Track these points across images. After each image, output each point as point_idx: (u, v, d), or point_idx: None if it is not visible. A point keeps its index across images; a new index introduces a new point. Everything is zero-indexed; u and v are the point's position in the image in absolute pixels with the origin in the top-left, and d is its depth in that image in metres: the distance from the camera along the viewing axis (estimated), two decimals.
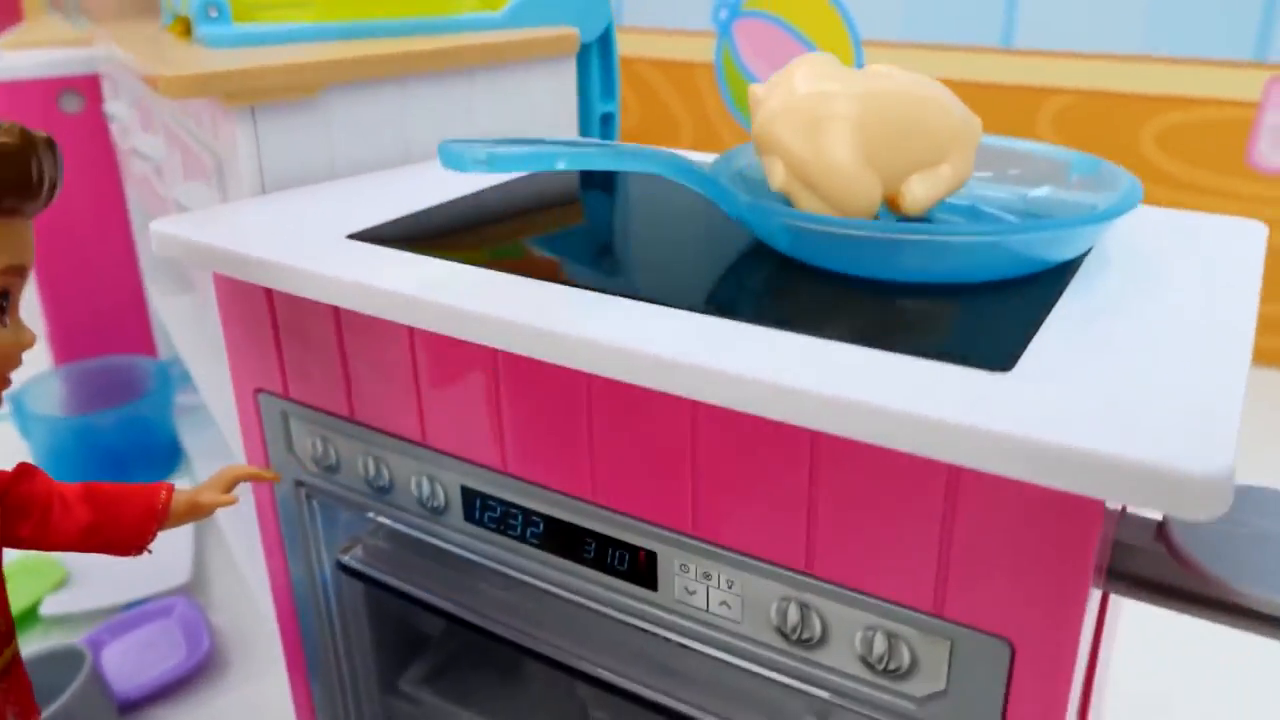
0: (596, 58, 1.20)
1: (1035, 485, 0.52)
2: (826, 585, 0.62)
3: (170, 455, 1.85)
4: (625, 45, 2.65)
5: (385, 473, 0.82)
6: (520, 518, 0.75)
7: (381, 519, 0.85)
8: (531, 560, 0.76)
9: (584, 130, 1.22)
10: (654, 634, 0.71)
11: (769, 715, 0.67)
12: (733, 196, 0.66)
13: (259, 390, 0.88)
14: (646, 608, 0.71)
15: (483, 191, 0.90)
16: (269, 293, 0.82)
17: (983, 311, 0.62)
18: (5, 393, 0.65)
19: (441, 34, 1.09)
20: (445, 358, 0.73)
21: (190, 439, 1.84)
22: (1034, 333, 0.58)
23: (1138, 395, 0.51)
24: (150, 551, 0.75)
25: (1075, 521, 0.52)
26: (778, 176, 0.69)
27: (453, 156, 0.59)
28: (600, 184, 0.93)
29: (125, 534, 0.73)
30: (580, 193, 0.91)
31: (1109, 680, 0.96)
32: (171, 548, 1.57)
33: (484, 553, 0.78)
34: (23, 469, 0.71)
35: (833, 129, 0.69)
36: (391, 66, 0.94)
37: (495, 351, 0.70)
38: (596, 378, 0.66)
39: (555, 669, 0.74)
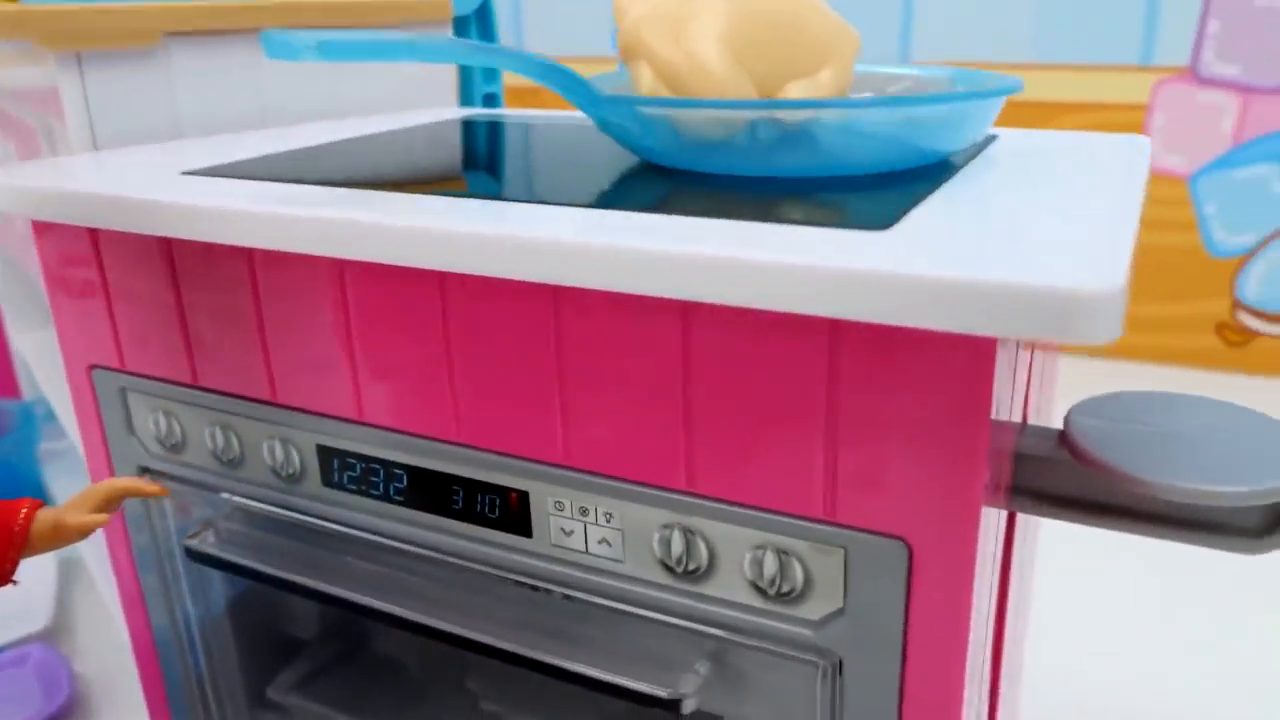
0: (475, 33, 1.15)
1: (922, 352, 0.48)
2: (710, 503, 0.57)
3: (33, 494, 1.72)
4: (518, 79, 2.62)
5: (235, 442, 0.74)
6: (381, 473, 0.68)
7: (235, 498, 0.77)
8: (397, 521, 0.69)
9: None
10: (534, 587, 0.65)
11: (658, 663, 0.61)
12: (591, 93, 0.62)
13: (93, 366, 0.80)
14: (523, 559, 0.65)
15: (350, 140, 0.84)
16: (97, 251, 0.74)
17: (864, 196, 0.58)
18: None
19: None
20: (290, 292, 0.66)
21: (58, 485, 1.72)
22: (915, 205, 0.55)
23: (1026, 238, 0.48)
24: (15, 582, 0.62)
25: (967, 384, 0.48)
26: (645, 82, 0.65)
27: (279, 44, 0.54)
28: (484, 135, 0.88)
29: None
30: (461, 139, 0.86)
31: (1028, 611, 0.92)
32: (30, 587, 1.45)
33: (347, 520, 0.71)
34: None
35: (701, 30, 0.64)
36: (241, 17, 0.87)
37: (343, 277, 0.64)
38: (452, 293, 0.60)
39: (427, 637, 0.67)
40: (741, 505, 0.56)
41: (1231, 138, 2.15)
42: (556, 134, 0.88)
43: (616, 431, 0.58)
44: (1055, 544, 1.55)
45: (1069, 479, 0.63)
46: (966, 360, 0.47)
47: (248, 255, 0.67)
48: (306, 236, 0.59)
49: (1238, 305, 2.24)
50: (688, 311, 0.53)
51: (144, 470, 0.81)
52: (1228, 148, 2.16)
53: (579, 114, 0.99)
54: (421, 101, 1.10)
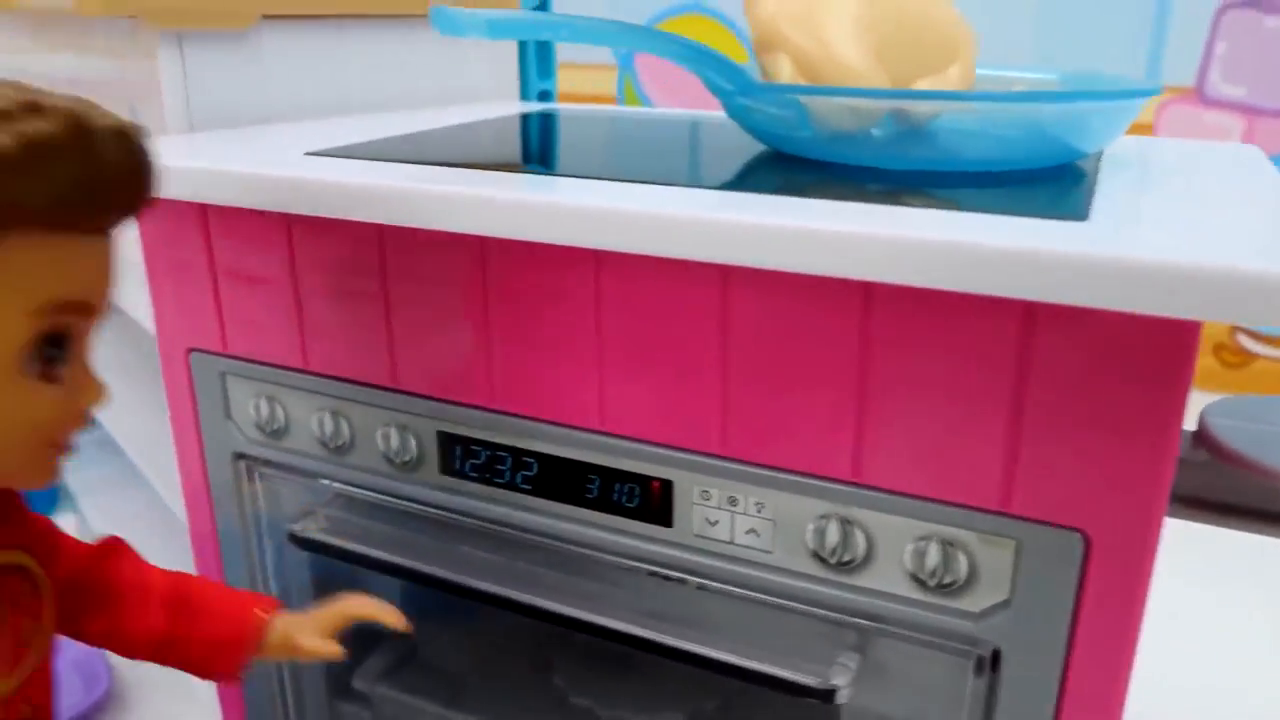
0: None
1: (1120, 338, 0.48)
2: (875, 494, 0.56)
3: (49, 493, 1.69)
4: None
5: (346, 429, 0.73)
6: (509, 461, 0.67)
7: (336, 485, 0.76)
8: (521, 509, 0.68)
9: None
10: (666, 576, 0.65)
11: (806, 654, 0.61)
12: (746, 80, 0.62)
13: (191, 350, 0.78)
14: (658, 548, 0.64)
15: (453, 128, 0.83)
16: (207, 232, 0.73)
17: (1021, 188, 0.58)
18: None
19: None
20: (423, 272, 0.66)
21: (77, 473, 1.69)
22: (1092, 196, 0.55)
23: (1214, 228, 0.49)
24: (241, 682, 0.61)
25: (1167, 370, 0.48)
26: (785, 72, 0.65)
27: (448, 19, 0.53)
28: (591, 125, 0.88)
29: (204, 659, 0.59)
30: (569, 128, 0.85)
31: None
32: None
33: (462, 508, 0.71)
34: (109, 545, 0.58)
35: (837, 24, 0.65)
36: (332, 3, 0.87)
37: (483, 259, 0.63)
38: (605, 275, 0.59)
39: (556, 624, 0.66)
40: (909, 496, 0.56)
41: None
42: (661, 127, 0.88)
43: (780, 421, 0.58)
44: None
45: (1202, 479, 0.64)
46: (1167, 345, 0.48)
47: (379, 237, 0.66)
48: (453, 215, 0.58)
49: (1236, 327, 2.28)
50: (868, 294, 0.53)
51: (239, 456, 0.80)
52: None
53: (652, 111, 0.99)
54: (486, 95, 1.09)
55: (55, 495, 1.68)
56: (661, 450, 0.62)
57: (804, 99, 0.60)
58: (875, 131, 0.65)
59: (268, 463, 0.79)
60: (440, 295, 0.65)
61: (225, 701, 0.91)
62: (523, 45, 1.15)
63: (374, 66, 0.95)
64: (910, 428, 0.54)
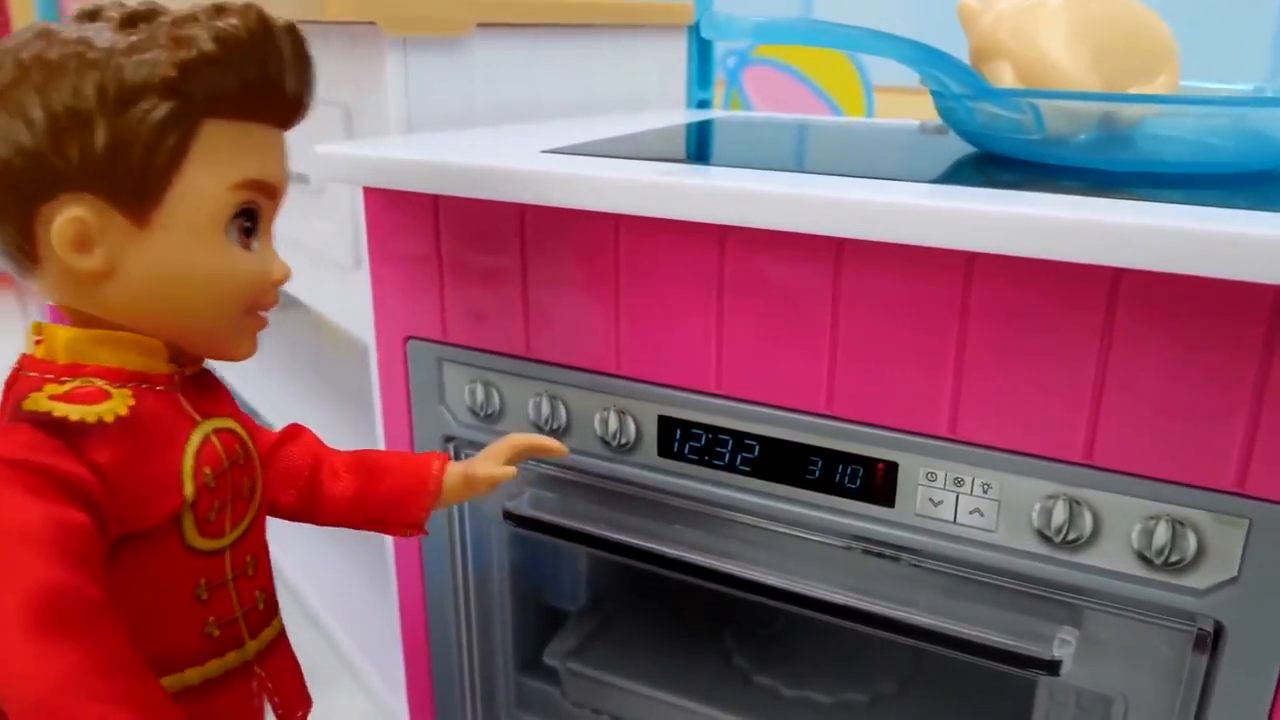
0: (695, 42, 1.20)
1: None
2: (1107, 475, 0.60)
3: None
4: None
5: (563, 412, 0.78)
6: (730, 444, 0.72)
7: (544, 467, 0.81)
8: (737, 490, 0.72)
9: None
10: (879, 554, 0.68)
11: (1025, 629, 0.64)
12: (972, 77, 0.65)
13: (409, 338, 0.84)
14: (878, 528, 0.68)
15: (659, 130, 0.88)
16: (437, 223, 0.78)
17: (1240, 190, 0.61)
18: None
19: None
20: (657, 262, 0.70)
21: None
22: None
23: None
24: (427, 533, 0.66)
25: None
26: (1007, 79, 0.68)
27: (719, 24, 0.58)
28: (795, 131, 0.92)
29: (392, 510, 0.64)
30: (765, 132, 0.90)
31: None
32: None
33: (675, 489, 0.75)
34: (289, 430, 0.63)
35: (1055, 34, 0.68)
36: (539, 13, 0.92)
37: (721, 250, 0.67)
38: (844, 265, 0.63)
39: (765, 596, 0.70)
40: (1141, 476, 0.59)
41: None
42: (854, 132, 0.92)
43: (1013, 404, 0.61)
44: None
45: None
46: None
47: (614, 228, 0.71)
48: (692, 205, 0.63)
49: None
50: (1116, 280, 0.56)
51: (448, 440, 0.85)
52: None
53: (834, 119, 1.03)
54: (654, 104, 1.14)
55: None
56: (888, 433, 0.65)
57: (1034, 102, 0.64)
58: (1082, 136, 0.69)
59: (476, 445, 0.84)
60: (670, 285, 0.70)
61: (412, 677, 0.96)
62: (691, 56, 1.20)
63: (562, 73, 1.00)
64: (1148, 410, 0.58)
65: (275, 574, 0.60)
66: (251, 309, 0.54)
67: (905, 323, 0.63)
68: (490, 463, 0.67)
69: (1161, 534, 0.59)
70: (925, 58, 0.64)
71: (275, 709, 0.58)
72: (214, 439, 0.53)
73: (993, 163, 0.71)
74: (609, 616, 0.95)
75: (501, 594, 0.90)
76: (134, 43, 0.46)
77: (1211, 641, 0.60)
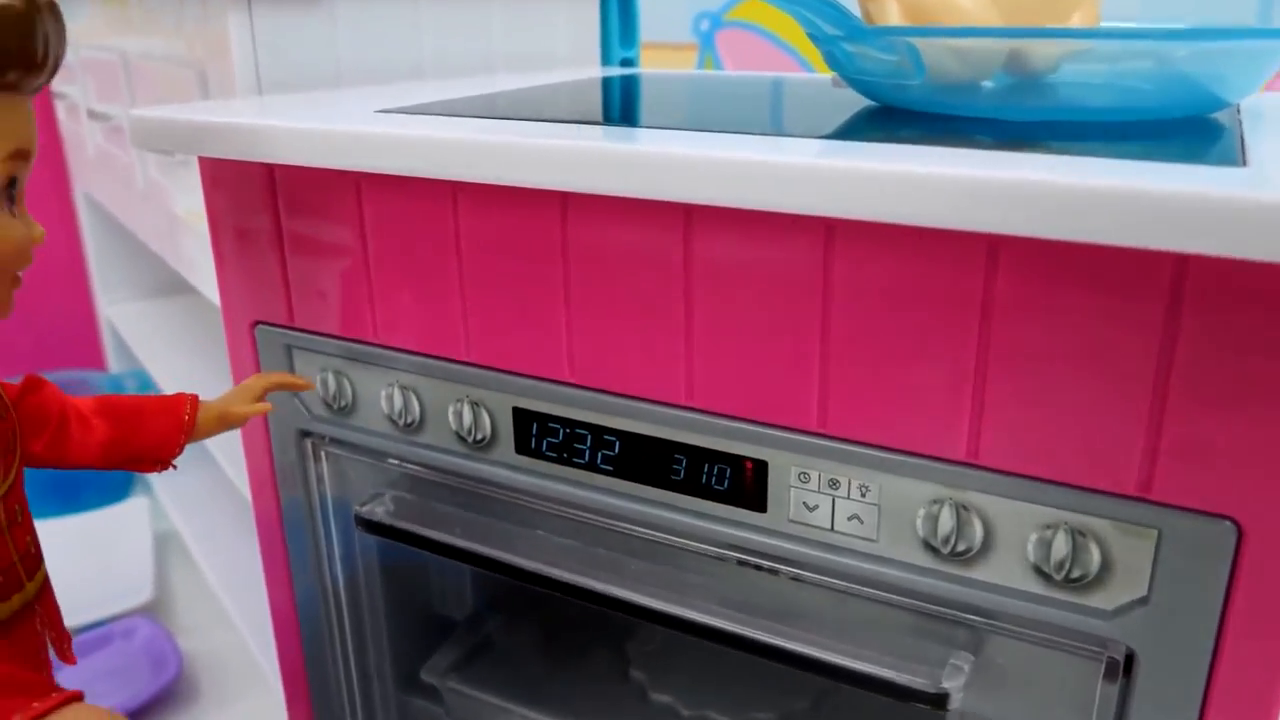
0: (616, 9, 1.10)
1: (1275, 300, 0.42)
2: (993, 476, 0.51)
3: (125, 478, 1.68)
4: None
5: (415, 405, 0.69)
6: (589, 439, 0.63)
7: (407, 465, 0.72)
8: (601, 493, 0.64)
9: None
10: (758, 566, 0.60)
11: (914, 654, 0.55)
12: (853, 23, 0.56)
13: (256, 323, 0.75)
14: (751, 535, 0.59)
15: (525, 89, 0.79)
16: (274, 197, 0.70)
17: (1159, 140, 0.52)
18: None
19: None
20: (499, 237, 0.61)
21: None
22: (1243, 143, 0.49)
23: None
24: (175, 467, 0.66)
25: None
26: (891, 15, 0.59)
27: None
28: (689, 86, 0.83)
29: (148, 447, 0.64)
30: (646, 88, 0.80)
31: None
32: (131, 564, 1.41)
33: (538, 490, 0.66)
34: (30, 381, 0.62)
35: None
36: None
37: (563, 220, 0.58)
38: (695, 235, 0.54)
39: (637, 616, 0.62)
40: (1033, 479, 0.50)
41: None
42: (753, 86, 0.82)
43: (886, 395, 0.52)
44: None
45: None
46: None
47: (451, 197, 0.62)
48: (534, 168, 0.54)
49: None
50: (993, 251, 0.47)
51: (304, 434, 0.76)
52: None
53: (744, 73, 0.94)
54: (565, 62, 1.05)
55: (130, 480, 1.68)
56: (755, 428, 0.57)
57: (915, 40, 0.54)
58: (988, 84, 0.59)
59: (335, 441, 0.75)
60: (516, 261, 0.61)
61: (291, 695, 0.88)
62: (605, 10, 1.10)
63: (449, 31, 0.91)
64: (1038, 403, 0.49)
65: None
66: (13, 273, 0.54)
67: (765, 301, 0.54)
68: (245, 400, 0.67)
69: (1060, 545, 0.50)
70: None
71: (52, 643, 0.60)
72: None
73: (891, 116, 0.62)
74: (498, 626, 0.87)
75: (375, 603, 0.81)
76: None
77: (1123, 669, 0.51)
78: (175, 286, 1.70)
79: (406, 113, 0.65)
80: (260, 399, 0.68)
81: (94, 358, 1.92)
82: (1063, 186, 0.41)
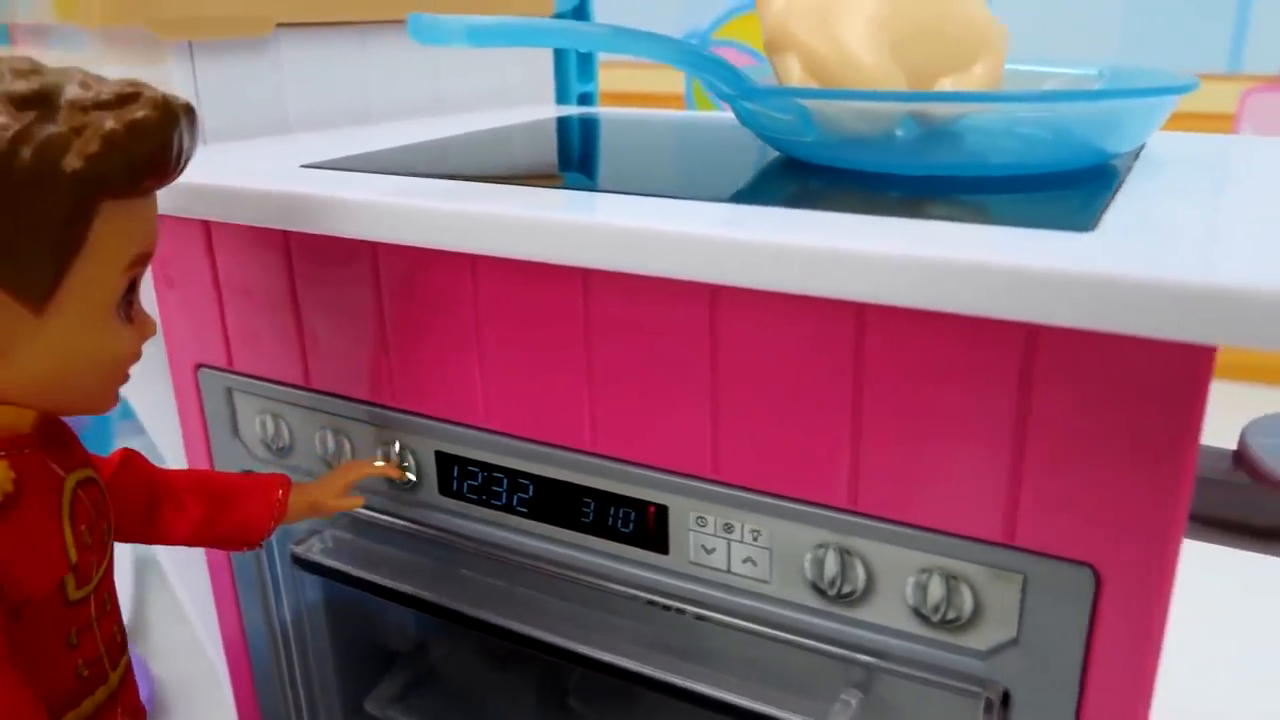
0: None
1: (1129, 363, 0.44)
2: (872, 523, 0.53)
3: None
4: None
5: (347, 447, 0.72)
6: (505, 483, 0.65)
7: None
8: (520, 534, 0.66)
9: None
10: (666, 607, 0.62)
11: (804, 692, 0.57)
12: (745, 84, 0.58)
13: (199, 365, 0.78)
14: (657, 577, 0.61)
15: (466, 135, 0.81)
16: (210, 246, 0.72)
17: (1037, 197, 0.54)
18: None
19: None
20: (416, 290, 0.64)
21: None
22: (1109, 202, 0.51)
23: (1240, 243, 0.44)
24: (262, 547, 0.68)
25: (1180, 398, 0.44)
26: (794, 75, 0.61)
27: (428, 27, 0.51)
28: (609, 131, 0.85)
29: (237, 529, 0.65)
30: (582, 135, 0.83)
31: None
32: None
33: (465, 532, 0.69)
34: (124, 457, 0.62)
35: (853, 21, 0.61)
36: (353, 9, 0.85)
37: (474, 274, 0.61)
38: (593, 293, 0.57)
39: (552, 656, 0.64)
40: (909, 526, 0.52)
41: None
42: (685, 131, 0.85)
43: (772, 444, 0.54)
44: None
45: (1247, 503, 0.59)
46: (1181, 371, 0.44)
47: (371, 251, 0.64)
48: (443, 231, 0.56)
49: None
50: (861, 314, 0.50)
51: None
52: None
53: (690, 114, 0.96)
54: (519, 100, 1.08)
55: None
56: (655, 474, 0.59)
57: (808, 103, 0.57)
58: (898, 133, 0.61)
59: None
60: (434, 312, 0.64)
61: (242, 713, 0.90)
62: (564, 49, 1.13)
63: (398, 72, 0.94)
64: (909, 454, 0.51)
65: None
66: (126, 374, 0.53)
67: (659, 353, 0.56)
68: (335, 493, 0.67)
69: (936, 589, 0.52)
70: (682, 58, 0.57)
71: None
72: (81, 494, 0.52)
73: (799, 170, 0.64)
74: (441, 657, 0.89)
75: (320, 635, 0.84)
76: (31, 128, 0.43)
77: (1000, 707, 0.53)
78: None
79: (331, 168, 0.68)
80: (351, 489, 0.68)
81: None
82: (917, 260, 0.43)
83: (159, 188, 0.50)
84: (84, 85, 0.46)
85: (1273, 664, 1.33)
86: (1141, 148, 0.69)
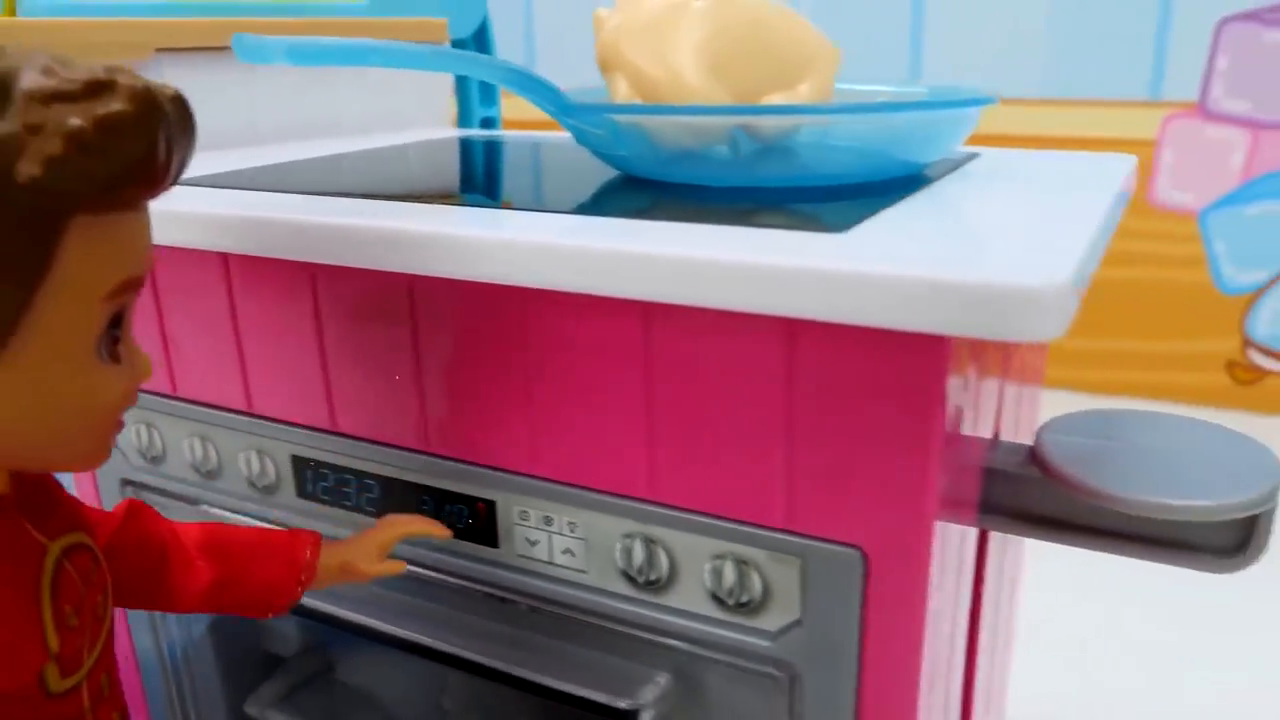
0: None
1: (876, 355, 0.48)
2: (670, 512, 0.56)
3: None
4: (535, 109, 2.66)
5: (213, 453, 0.75)
6: (354, 484, 0.68)
7: (214, 510, 0.78)
8: None
9: None
10: (501, 598, 0.65)
11: (619, 675, 0.60)
12: (562, 100, 0.62)
13: None
14: (491, 569, 0.64)
15: (338, 155, 0.85)
16: None
17: (833, 204, 0.58)
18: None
19: (296, 17, 1.05)
20: (264, 299, 0.67)
21: None
22: (877, 211, 0.55)
23: (978, 241, 0.49)
24: (289, 613, 0.60)
25: (920, 388, 0.48)
26: (621, 93, 0.65)
27: (251, 47, 0.55)
28: (470, 152, 0.89)
29: (257, 594, 0.58)
30: (446, 156, 0.86)
31: (1011, 633, 0.91)
32: None
33: (322, 531, 0.71)
34: (130, 508, 0.55)
35: (679, 42, 0.65)
36: (228, 36, 0.89)
37: (314, 282, 0.64)
38: (421, 299, 0.60)
39: (395, 648, 0.67)
40: (701, 514, 0.56)
41: (1241, 174, 2.15)
42: (545, 152, 0.89)
43: (581, 439, 0.58)
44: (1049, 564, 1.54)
45: (1040, 496, 0.63)
46: (919, 362, 0.47)
47: (223, 261, 0.68)
48: (283, 241, 0.60)
49: (1248, 343, 2.23)
50: (648, 314, 0.53)
51: (127, 483, 0.82)
52: (1237, 184, 2.16)
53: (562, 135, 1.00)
54: (417, 123, 1.11)
55: None
56: (482, 470, 0.62)
57: (634, 119, 0.60)
58: (725, 150, 0.65)
59: (153, 489, 0.80)
60: (281, 318, 0.67)
61: None
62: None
63: (286, 94, 0.97)
64: (696, 445, 0.54)
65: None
66: (118, 421, 0.45)
67: (478, 353, 0.60)
68: (373, 555, 0.61)
69: (729, 574, 0.56)
70: (505, 77, 0.61)
71: None
72: (67, 566, 0.45)
73: (630, 185, 0.68)
74: (323, 661, 0.91)
75: (203, 639, 0.86)
76: None
77: (790, 685, 0.57)
78: None
79: (190, 185, 0.71)
80: (388, 551, 0.62)
81: None
82: (690, 260, 0.48)
83: (147, 199, 0.41)
84: (46, 72, 0.36)
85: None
86: (970, 160, 0.74)
